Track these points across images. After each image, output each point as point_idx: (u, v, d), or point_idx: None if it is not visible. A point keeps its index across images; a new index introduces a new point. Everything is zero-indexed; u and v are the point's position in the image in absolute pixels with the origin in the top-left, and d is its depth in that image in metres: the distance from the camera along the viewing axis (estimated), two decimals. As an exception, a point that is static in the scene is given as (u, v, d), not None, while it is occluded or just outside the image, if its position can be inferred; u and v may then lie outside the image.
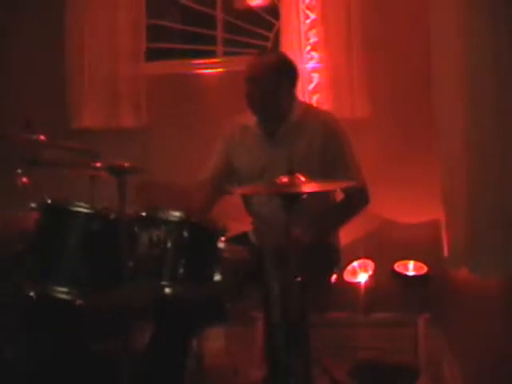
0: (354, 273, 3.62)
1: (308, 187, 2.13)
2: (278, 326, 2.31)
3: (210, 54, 4.22)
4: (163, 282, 2.16)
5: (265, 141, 2.87)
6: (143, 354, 2.36)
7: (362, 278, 3.61)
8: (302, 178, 2.16)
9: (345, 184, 2.17)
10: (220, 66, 4.10)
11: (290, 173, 2.18)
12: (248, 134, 2.92)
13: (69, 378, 2.21)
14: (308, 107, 2.97)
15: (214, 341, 3.31)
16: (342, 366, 3.34)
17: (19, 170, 2.82)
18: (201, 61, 4.15)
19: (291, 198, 2.07)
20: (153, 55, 4.14)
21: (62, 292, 2.22)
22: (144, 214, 2.25)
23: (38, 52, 4.07)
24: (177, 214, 2.25)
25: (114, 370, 1.99)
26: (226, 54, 4.20)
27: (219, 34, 4.21)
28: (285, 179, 2.16)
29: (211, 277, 2.22)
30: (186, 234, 2.21)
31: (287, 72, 2.85)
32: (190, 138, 3.97)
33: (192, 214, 2.33)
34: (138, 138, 4.01)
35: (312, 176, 2.56)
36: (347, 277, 3.57)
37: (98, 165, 2.93)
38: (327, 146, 2.78)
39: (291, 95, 2.88)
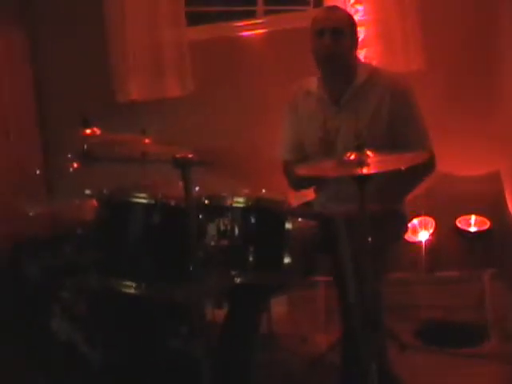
0: (415, 231, 3.56)
1: (378, 166, 2.05)
2: (351, 294, 2.29)
3: (251, 14, 4.09)
4: (233, 272, 2.14)
5: (329, 106, 2.78)
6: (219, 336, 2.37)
7: (423, 236, 3.56)
8: (371, 154, 2.09)
9: (417, 159, 2.09)
10: (261, 27, 3.97)
11: (359, 148, 2.10)
12: (311, 99, 2.83)
13: (146, 375, 2.22)
14: (374, 69, 2.83)
15: (277, 306, 3.33)
16: (407, 326, 3.35)
17: (69, 155, 2.81)
18: (242, 23, 4.02)
19: (362, 179, 2.01)
20: (191, 20, 4.03)
21: (129, 286, 2.19)
22: (207, 201, 2.21)
23: (77, 26, 3.99)
24: (241, 199, 2.20)
25: (192, 367, 2.00)
26: (266, 12, 4.06)
27: (259, -8, 4.07)
28: (353, 156, 2.09)
29: (281, 261, 2.19)
30: (253, 220, 2.17)
31: (356, 28, 2.77)
32: (237, 103, 3.89)
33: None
34: (185, 106, 3.93)
35: (378, 141, 2.55)
36: (407, 236, 3.47)
37: (146, 141, 2.93)
38: (396, 110, 2.69)
39: (355, 55, 2.79)
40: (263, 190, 2.76)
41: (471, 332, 3.21)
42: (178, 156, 2.03)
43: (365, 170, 2.03)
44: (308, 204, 2.96)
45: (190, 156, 2.03)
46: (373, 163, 2.06)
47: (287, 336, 3.35)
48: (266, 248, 2.20)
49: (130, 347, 2.26)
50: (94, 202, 2.91)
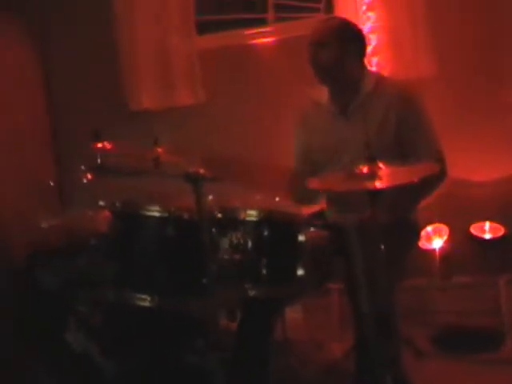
0: (429, 239, 3.53)
1: (390, 179, 2.05)
2: (365, 303, 2.29)
3: (261, 22, 4.09)
4: (246, 285, 2.14)
5: (337, 116, 2.79)
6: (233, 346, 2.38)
7: (437, 243, 3.52)
8: (382, 166, 2.09)
9: (429, 170, 2.08)
10: (272, 35, 3.97)
11: (369, 158, 2.11)
12: (320, 110, 2.84)
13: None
14: (380, 77, 2.85)
15: (292, 313, 3.33)
16: (423, 333, 3.33)
17: (83, 167, 2.83)
18: (252, 31, 4.02)
19: (374, 193, 2.00)
20: (201, 28, 4.03)
21: (143, 299, 2.19)
22: (220, 215, 2.21)
23: (88, 36, 4.01)
24: (254, 212, 2.20)
25: (206, 379, 2.00)
26: (277, 20, 4.06)
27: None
28: (365, 169, 2.09)
29: (294, 273, 2.19)
30: (266, 233, 2.17)
31: (353, 36, 2.76)
32: (249, 111, 3.89)
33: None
34: (196, 115, 3.94)
35: (387, 149, 2.54)
36: (421, 243, 3.45)
37: (159, 150, 2.94)
38: (404, 118, 2.68)
39: (361, 64, 2.79)
40: (277, 198, 2.77)
41: (488, 337, 3.20)
42: (189, 171, 2.03)
43: (377, 184, 2.03)
44: (319, 213, 2.95)
45: (201, 171, 2.03)
46: (385, 176, 2.06)
47: (302, 343, 3.36)
48: (279, 261, 2.20)
49: (145, 359, 2.27)
50: (108, 214, 2.93)
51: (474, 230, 3.50)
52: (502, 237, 3.45)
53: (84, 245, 2.78)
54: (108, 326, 2.37)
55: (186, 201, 2.38)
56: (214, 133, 3.91)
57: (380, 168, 2.09)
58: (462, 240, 3.53)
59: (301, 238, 2.22)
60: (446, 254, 3.50)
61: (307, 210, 2.79)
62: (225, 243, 2.13)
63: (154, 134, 3.18)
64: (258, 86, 3.90)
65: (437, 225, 3.56)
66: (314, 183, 2.26)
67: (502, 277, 3.30)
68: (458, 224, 3.55)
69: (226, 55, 3.96)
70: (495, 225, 3.49)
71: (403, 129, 2.69)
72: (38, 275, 2.84)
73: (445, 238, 3.54)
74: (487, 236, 3.48)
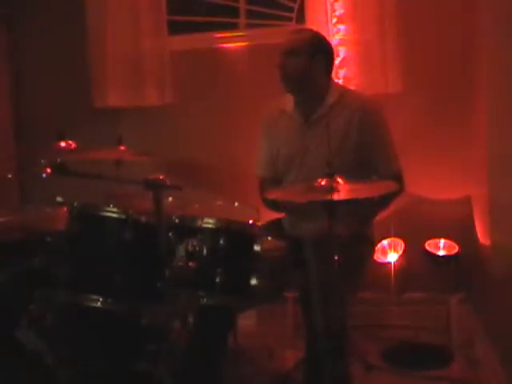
0: (384, 252, 3.59)
1: (348, 192, 2.08)
2: (317, 315, 2.32)
3: (233, 26, 4.10)
4: (200, 293, 2.15)
5: (301, 125, 2.83)
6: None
7: (392, 257, 3.58)
8: (341, 181, 2.12)
9: (387, 189, 2.13)
10: (243, 39, 3.99)
11: (329, 175, 2.14)
12: (285, 118, 2.88)
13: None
14: (345, 90, 2.90)
15: (245, 320, 3.33)
16: (374, 347, 3.38)
17: (43, 161, 2.80)
18: (223, 34, 4.04)
19: (331, 206, 2.04)
20: (173, 29, 4.03)
21: (95, 300, 2.20)
22: (177, 220, 2.21)
23: (59, 30, 3.97)
24: (211, 220, 2.21)
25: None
26: (249, 26, 4.08)
27: (242, 5, 4.08)
28: (323, 182, 2.13)
29: (248, 283, 2.20)
30: (222, 241, 2.17)
31: (323, 49, 2.81)
32: (216, 114, 3.91)
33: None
34: (162, 115, 3.94)
35: (346, 161, 2.59)
36: (377, 256, 3.52)
37: (122, 148, 2.92)
38: (365, 131, 2.73)
39: (327, 76, 2.84)
40: (236, 203, 2.78)
41: (436, 355, 3.25)
42: (149, 178, 2.03)
43: (335, 197, 2.06)
44: (276, 221, 2.97)
45: (161, 178, 2.03)
46: (343, 190, 2.10)
47: (254, 350, 3.36)
48: (234, 270, 2.20)
49: (96, 363, 2.26)
50: (66, 211, 2.90)
51: (428, 246, 3.57)
52: (456, 254, 3.52)
53: (39, 242, 2.74)
54: (59, 327, 2.34)
55: (144, 202, 2.39)
56: (181, 134, 3.92)
57: (338, 182, 2.13)
58: (416, 255, 3.58)
59: (256, 247, 2.23)
60: (401, 268, 3.56)
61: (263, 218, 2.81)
62: (181, 250, 2.13)
63: (119, 132, 3.19)
64: (226, 90, 3.92)
65: (393, 239, 3.62)
66: (272, 194, 2.28)
67: (454, 295, 3.35)
68: (414, 240, 3.60)
69: (196, 57, 3.97)
70: (450, 242, 3.56)
71: (363, 145, 2.73)
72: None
73: (400, 252, 3.60)
74: (441, 253, 3.54)
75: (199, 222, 2.21)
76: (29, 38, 4.05)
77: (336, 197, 2.06)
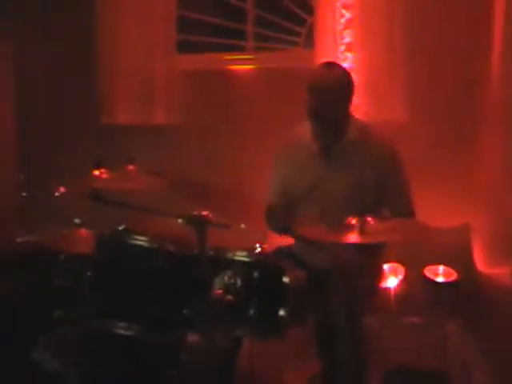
0: (384, 277, 3.68)
1: (375, 234, 2.16)
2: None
3: (240, 48, 4.16)
4: (234, 324, 2.20)
5: (319, 158, 2.85)
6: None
7: (392, 282, 3.67)
8: (371, 221, 2.20)
9: (411, 230, 2.21)
10: (252, 62, 4.06)
11: (362, 214, 2.21)
12: (301, 148, 2.89)
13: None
14: (364, 126, 2.91)
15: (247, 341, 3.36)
16: (372, 370, 3.44)
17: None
18: (231, 56, 4.09)
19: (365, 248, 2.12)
20: (181, 48, 4.07)
21: (125, 328, 2.23)
22: (212, 253, 2.25)
23: (70, 46, 4.00)
24: (244, 253, 2.26)
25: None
26: (256, 48, 4.14)
27: (249, 28, 4.14)
28: (354, 221, 2.20)
29: (278, 314, 2.25)
30: (255, 274, 2.22)
31: (351, 86, 2.83)
32: (223, 136, 3.97)
33: None
34: (168, 135, 3.98)
35: (363, 198, 2.63)
36: (377, 281, 3.61)
37: (131, 167, 2.95)
38: (383, 170, 2.77)
39: (348, 110, 2.86)
40: (242, 225, 2.82)
41: (433, 379, 3.33)
42: (194, 214, 2.07)
43: (364, 238, 2.14)
44: (283, 248, 2.97)
45: (206, 215, 2.07)
46: (373, 231, 2.17)
47: (256, 372, 3.39)
48: (265, 302, 2.24)
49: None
50: (84, 232, 2.93)
51: (428, 272, 3.66)
52: (454, 281, 3.62)
53: (56, 262, 2.77)
54: (84, 351, 2.37)
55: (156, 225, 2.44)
56: (186, 154, 3.96)
57: (368, 222, 2.20)
58: (416, 281, 3.68)
59: (285, 279, 2.28)
60: (401, 293, 3.65)
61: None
62: (218, 282, 2.17)
63: (127, 150, 3.20)
64: (233, 112, 3.98)
65: (393, 264, 3.70)
66: (302, 231, 2.33)
67: (451, 320, 3.45)
68: (414, 265, 3.70)
69: (204, 78, 4.02)
70: (448, 269, 3.66)
71: (381, 188, 2.77)
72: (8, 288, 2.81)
73: (400, 277, 3.69)
74: (440, 279, 3.64)
75: (232, 255, 2.26)
76: (34, 48, 4.04)
77: (369, 240, 2.12)
